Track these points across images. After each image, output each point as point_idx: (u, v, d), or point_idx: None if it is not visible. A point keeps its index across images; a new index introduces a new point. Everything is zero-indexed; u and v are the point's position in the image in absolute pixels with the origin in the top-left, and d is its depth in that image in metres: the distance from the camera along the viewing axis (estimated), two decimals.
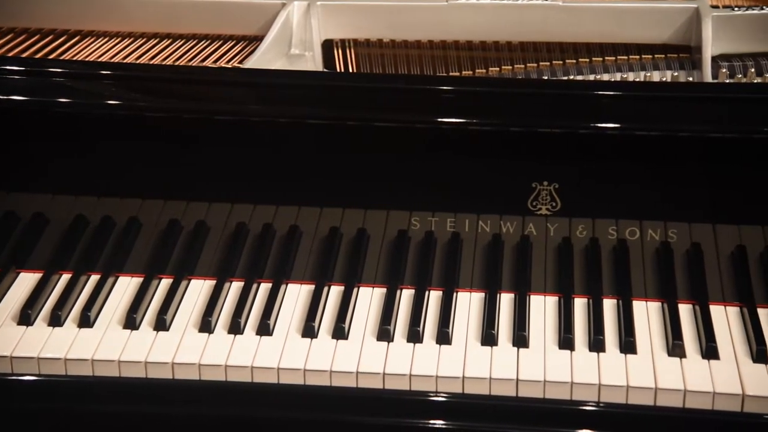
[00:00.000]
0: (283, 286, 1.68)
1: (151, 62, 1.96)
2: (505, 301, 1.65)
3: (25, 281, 1.72)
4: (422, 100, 1.69)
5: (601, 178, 1.63)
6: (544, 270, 1.68)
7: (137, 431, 1.61)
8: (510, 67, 1.95)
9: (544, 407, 1.51)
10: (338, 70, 2.00)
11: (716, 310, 1.61)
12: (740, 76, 1.88)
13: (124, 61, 1.96)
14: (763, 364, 1.52)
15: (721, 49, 1.90)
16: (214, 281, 1.69)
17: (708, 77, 1.84)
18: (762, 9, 1.93)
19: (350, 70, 1.99)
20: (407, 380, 1.53)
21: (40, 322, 1.64)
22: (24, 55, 1.97)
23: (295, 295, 1.68)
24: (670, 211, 1.65)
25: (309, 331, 1.60)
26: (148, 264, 1.72)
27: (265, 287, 1.68)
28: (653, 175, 1.63)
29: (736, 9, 1.94)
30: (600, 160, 1.62)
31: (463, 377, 1.52)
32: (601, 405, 1.50)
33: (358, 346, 1.57)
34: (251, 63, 1.85)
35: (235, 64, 1.95)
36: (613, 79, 1.91)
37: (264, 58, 1.88)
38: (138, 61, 1.96)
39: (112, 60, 1.96)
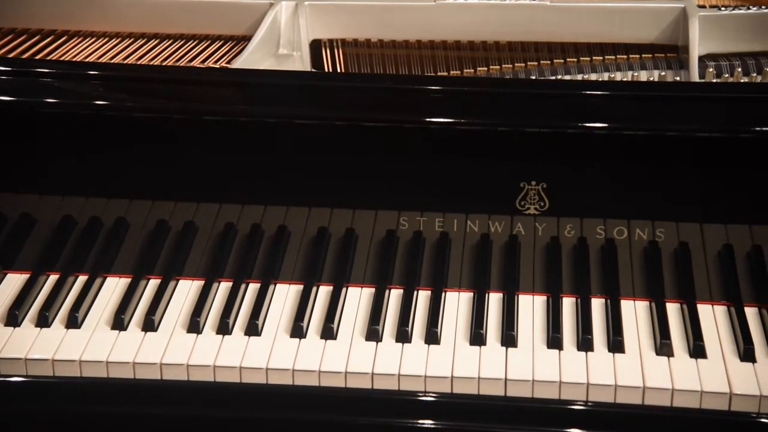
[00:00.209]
0: (271, 287, 1.68)
1: (139, 62, 1.95)
2: (494, 300, 1.65)
3: (12, 282, 1.71)
4: (410, 99, 1.69)
5: (589, 177, 1.64)
6: (532, 269, 1.68)
7: None
8: (498, 67, 1.96)
9: (533, 407, 1.51)
10: (326, 70, 2.00)
11: (704, 309, 1.62)
12: (727, 75, 1.89)
13: (112, 61, 1.96)
14: (750, 363, 1.52)
15: (708, 48, 1.91)
16: (203, 281, 1.69)
17: (695, 77, 1.84)
18: (748, 9, 1.94)
19: (338, 70, 1.99)
20: (396, 380, 1.53)
21: (28, 323, 1.63)
22: (11, 56, 1.96)
23: (284, 296, 1.68)
24: (658, 211, 1.66)
25: (298, 331, 1.59)
26: (136, 264, 1.72)
27: (253, 287, 1.68)
28: (641, 175, 1.63)
29: (722, 9, 1.95)
30: (588, 159, 1.62)
31: (452, 377, 1.52)
32: (590, 404, 1.50)
33: (346, 346, 1.57)
34: (239, 63, 1.85)
35: (223, 64, 1.95)
36: (600, 79, 1.91)
37: (252, 58, 1.88)
38: (126, 62, 1.95)
39: (99, 60, 1.96)
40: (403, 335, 1.58)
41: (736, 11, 1.93)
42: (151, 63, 1.95)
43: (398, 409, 1.54)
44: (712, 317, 1.61)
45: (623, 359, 1.53)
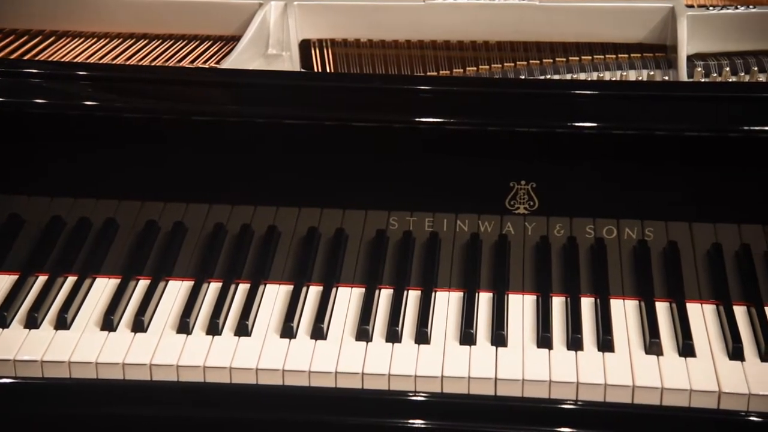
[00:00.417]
0: (261, 287, 1.68)
1: (128, 63, 1.95)
2: (484, 300, 1.65)
3: (1, 283, 1.70)
4: (400, 99, 1.69)
5: (578, 177, 1.64)
6: (522, 269, 1.69)
7: None
8: (487, 67, 1.96)
9: (523, 406, 1.51)
10: (316, 70, 1.99)
11: (693, 308, 1.62)
12: (715, 75, 1.89)
13: (101, 61, 1.95)
14: (739, 361, 1.53)
15: (697, 48, 1.91)
16: (192, 282, 1.68)
17: (683, 76, 1.85)
18: (736, 9, 1.94)
19: (328, 70, 1.99)
20: (386, 380, 1.53)
21: (16, 324, 1.63)
22: None
23: (274, 296, 1.68)
24: (647, 210, 1.66)
25: (288, 331, 1.59)
26: (126, 265, 1.72)
27: (243, 288, 1.68)
28: (630, 174, 1.63)
29: (711, 8, 1.95)
30: (577, 159, 1.63)
31: (442, 376, 1.52)
32: (580, 403, 1.51)
33: (336, 347, 1.57)
34: (228, 63, 1.85)
35: (213, 65, 1.95)
36: (589, 79, 1.91)
37: (241, 59, 1.88)
38: (114, 62, 1.95)
39: (88, 61, 1.95)
40: (393, 335, 1.58)
41: (725, 11, 1.93)
42: (140, 63, 1.95)
43: (389, 409, 1.54)
44: (701, 316, 1.62)
45: (613, 358, 1.54)
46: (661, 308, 1.62)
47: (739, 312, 1.61)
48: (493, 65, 1.96)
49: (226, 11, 2.01)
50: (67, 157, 1.70)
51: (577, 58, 1.95)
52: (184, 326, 1.60)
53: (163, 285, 1.70)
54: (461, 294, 1.66)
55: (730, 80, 1.88)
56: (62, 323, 1.62)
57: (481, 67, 1.96)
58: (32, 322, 1.62)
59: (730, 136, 1.60)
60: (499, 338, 1.57)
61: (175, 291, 1.69)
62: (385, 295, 1.66)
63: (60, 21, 2.05)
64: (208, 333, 1.60)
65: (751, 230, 1.65)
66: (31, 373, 1.56)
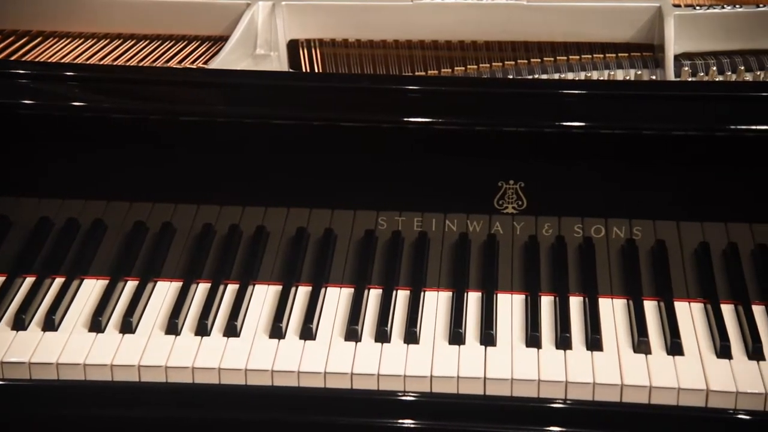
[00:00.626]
0: (250, 287, 1.68)
1: (116, 63, 1.94)
2: (473, 299, 1.65)
3: None
4: (388, 99, 1.69)
5: (566, 176, 1.64)
6: (510, 268, 1.69)
7: None
8: (475, 67, 1.96)
9: (513, 405, 1.52)
10: (304, 70, 1.99)
11: (681, 307, 1.62)
12: (702, 74, 1.90)
13: (88, 62, 1.94)
14: (727, 360, 1.53)
15: (684, 47, 1.92)
16: (181, 283, 1.68)
17: (671, 76, 1.85)
18: (723, 8, 1.95)
19: (316, 70, 1.99)
20: (375, 380, 1.53)
21: (4, 325, 1.62)
22: None
23: (263, 296, 1.67)
24: (635, 209, 1.66)
25: (276, 332, 1.59)
26: (114, 266, 1.71)
27: (232, 288, 1.68)
28: (617, 173, 1.64)
29: (697, 8, 1.96)
30: (565, 158, 1.63)
31: (431, 376, 1.52)
32: (569, 402, 1.51)
33: (326, 347, 1.57)
34: (216, 63, 1.84)
35: (200, 65, 1.94)
36: (577, 78, 1.92)
37: (229, 59, 1.87)
38: (102, 62, 1.94)
39: (76, 61, 1.95)
40: (382, 335, 1.58)
41: (711, 10, 1.94)
42: (127, 64, 1.94)
43: (378, 409, 1.54)
44: (689, 314, 1.62)
45: (601, 357, 1.54)
46: (650, 307, 1.63)
47: (727, 310, 1.61)
48: (481, 65, 1.96)
49: (214, 11, 2.01)
50: (54, 157, 1.70)
51: (565, 58, 1.96)
52: (172, 327, 1.60)
53: (152, 286, 1.69)
54: (450, 294, 1.66)
55: (717, 79, 1.88)
56: (50, 325, 1.61)
57: (469, 66, 1.96)
58: (20, 323, 1.61)
59: (717, 135, 1.61)
60: (488, 338, 1.57)
61: (164, 292, 1.69)
62: (374, 295, 1.66)
63: (47, 21, 2.04)
64: (196, 334, 1.60)
65: (738, 229, 1.66)
66: (19, 375, 1.56)
